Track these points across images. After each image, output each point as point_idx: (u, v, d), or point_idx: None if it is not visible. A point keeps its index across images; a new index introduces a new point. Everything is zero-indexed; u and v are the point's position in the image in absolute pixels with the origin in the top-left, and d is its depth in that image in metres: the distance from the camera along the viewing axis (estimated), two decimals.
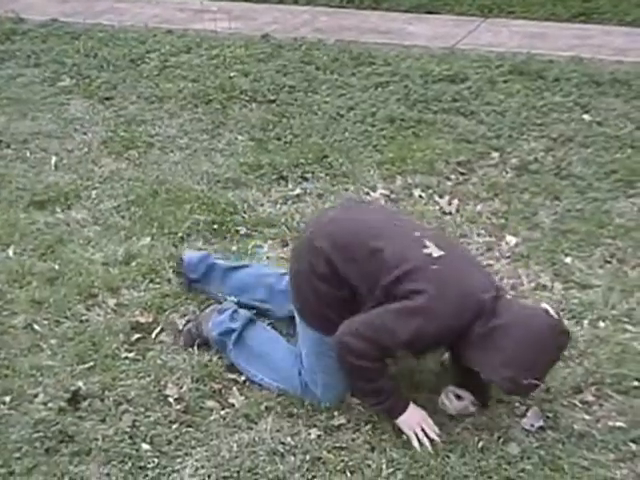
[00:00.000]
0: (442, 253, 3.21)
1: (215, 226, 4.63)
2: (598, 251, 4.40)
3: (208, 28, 7.89)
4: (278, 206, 4.88)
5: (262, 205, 4.90)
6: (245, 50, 7.27)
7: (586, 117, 5.90)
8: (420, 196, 4.94)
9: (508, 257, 4.39)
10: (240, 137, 5.75)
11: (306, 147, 5.52)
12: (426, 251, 3.20)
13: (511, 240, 4.51)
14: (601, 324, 3.87)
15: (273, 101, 6.28)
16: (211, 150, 5.58)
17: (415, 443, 3.22)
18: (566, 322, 3.81)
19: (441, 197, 4.91)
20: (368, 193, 4.97)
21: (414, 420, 3.26)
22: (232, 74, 6.76)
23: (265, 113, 6.08)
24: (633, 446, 3.23)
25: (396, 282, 3.16)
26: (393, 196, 4.94)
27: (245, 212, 4.80)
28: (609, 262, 4.33)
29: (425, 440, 3.22)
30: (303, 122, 5.91)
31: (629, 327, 3.85)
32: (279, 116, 6.02)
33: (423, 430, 3.24)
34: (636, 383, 3.52)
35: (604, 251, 4.40)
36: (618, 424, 3.33)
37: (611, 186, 5.00)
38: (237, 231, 4.61)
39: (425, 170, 5.20)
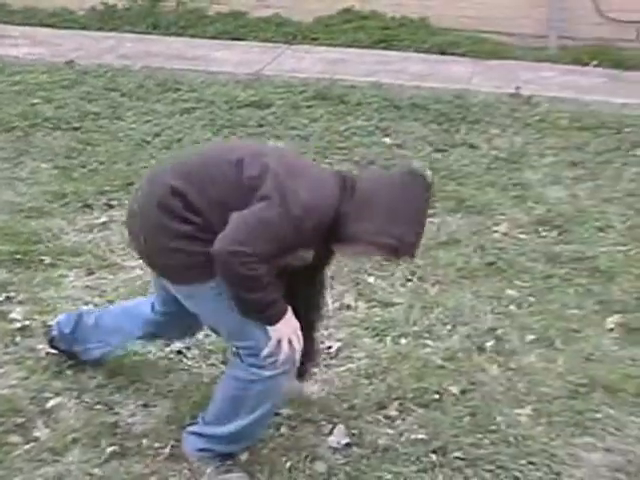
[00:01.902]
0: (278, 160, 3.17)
1: (18, 256, 4.53)
2: (399, 270, 4.54)
3: (10, 54, 7.73)
4: (83, 234, 4.83)
5: (67, 234, 4.83)
6: (48, 76, 7.17)
7: (387, 140, 6.10)
8: None
9: None
10: (44, 165, 5.66)
11: (112, 174, 5.49)
12: (264, 160, 3.13)
13: None
14: (403, 340, 4.00)
15: (77, 128, 6.22)
16: (14, 179, 5.46)
17: (282, 353, 3.09)
18: (369, 340, 3.96)
19: None
20: None
21: (287, 330, 3.11)
22: (35, 101, 6.65)
23: (69, 140, 6.01)
24: (434, 457, 3.34)
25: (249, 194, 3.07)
26: None
27: (49, 241, 4.72)
28: (410, 280, 4.48)
29: (285, 347, 3.09)
30: (108, 149, 5.87)
31: (429, 342, 3.99)
32: (84, 143, 5.96)
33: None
34: (436, 396, 3.64)
35: (405, 270, 4.54)
36: (420, 436, 3.44)
37: None
38: (41, 260, 4.53)
39: None
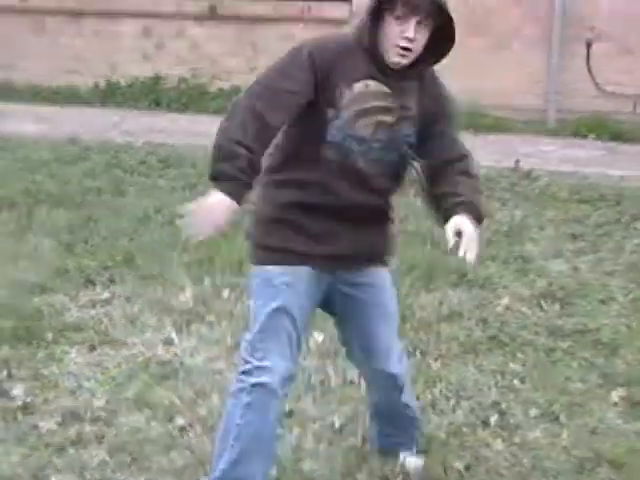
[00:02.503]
0: None
1: (20, 332, 4.52)
2: (402, 344, 4.52)
3: (14, 130, 7.82)
4: (86, 310, 4.83)
5: (69, 309, 4.83)
6: (52, 153, 7.24)
7: None
8: (228, 296, 4.99)
9: (316, 353, 4.47)
10: (46, 241, 5.69)
11: (114, 249, 5.51)
12: None
13: (319, 337, 4.59)
14: None
15: (80, 204, 6.26)
16: (16, 255, 5.48)
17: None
18: None
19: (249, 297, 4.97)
20: (177, 295, 4.99)
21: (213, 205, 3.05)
22: (38, 177, 6.71)
23: (72, 216, 6.05)
24: None
25: None
26: (202, 297, 4.97)
27: (52, 317, 4.72)
28: (413, 354, 4.46)
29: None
30: (111, 224, 5.90)
31: (433, 417, 3.96)
32: (86, 219, 6.00)
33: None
34: (441, 472, 3.60)
35: (408, 344, 4.53)
36: None
37: (412, 281, 5.19)
38: (44, 337, 4.52)
39: (233, 270, 5.26)
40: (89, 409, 3.91)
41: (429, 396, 4.11)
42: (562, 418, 3.95)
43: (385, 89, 3.07)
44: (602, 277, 5.30)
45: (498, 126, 7.96)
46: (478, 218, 3.05)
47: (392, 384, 3.43)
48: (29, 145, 7.41)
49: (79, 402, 3.97)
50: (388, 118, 3.09)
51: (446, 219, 3.03)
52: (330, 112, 3.05)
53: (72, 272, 5.22)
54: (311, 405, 4.02)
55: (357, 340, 3.36)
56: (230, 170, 2.95)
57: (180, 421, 3.84)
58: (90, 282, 5.14)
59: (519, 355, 4.45)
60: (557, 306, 4.95)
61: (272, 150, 3.13)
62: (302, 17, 8.76)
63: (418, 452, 3.60)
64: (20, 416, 3.86)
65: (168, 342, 4.52)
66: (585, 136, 7.86)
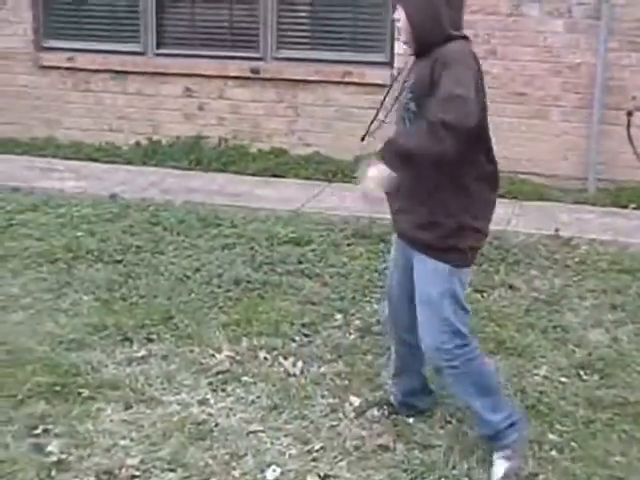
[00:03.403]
0: None
1: (57, 388, 4.53)
2: (439, 411, 4.49)
3: (56, 187, 7.90)
4: (122, 367, 4.83)
5: (106, 366, 4.84)
6: (92, 210, 7.31)
7: None
8: (265, 358, 4.97)
9: (353, 417, 4.43)
10: (85, 297, 5.71)
11: (152, 308, 5.52)
12: None
13: (355, 401, 4.57)
14: None
15: (119, 261, 6.29)
16: (55, 310, 5.51)
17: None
18: None
19: (285, 359, 4.96)
20: (213, 355, 4.98)
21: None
22: (78, 233, 6.76)
23: (111, 273, 6.08)
24: None
25: None
26: (238, 358, 4.96)
27: (88, 374, 4.72)
28: (449, 422, 4.42)
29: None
30: (149, 283, 5.92)
31: None
32: (125, 276, 6.02)
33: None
34: None
35: (444, 411, 4.49)
36: None
37: None
38: (79, 393, 4.53)
39: (270, 332, 5.25)
40: (124, 468, 3.91)
41: (465, 465, 4.05)
42: None
43: (405, 76, 3.81)
44: None
45: (538, 194, 7.95)
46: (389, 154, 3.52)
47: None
48: (71, 201, 7.48)
49: (114, 460, 3.97)
50: (402, 97, 3.78)
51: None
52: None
53: (110, 329, 5.23)
54: (346, 471, 3.98)
55: None
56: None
57: None
58: (127, 339, 5.14)
59: (557, 426, 4.38)
60: (596, 377, 4.89)
61: None
62: (343, 81, 8.83)
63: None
64: (54, 472, 3.87)
65: (203, 402, 4.51)
66: (625, 206, 7.82)
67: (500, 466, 3.93)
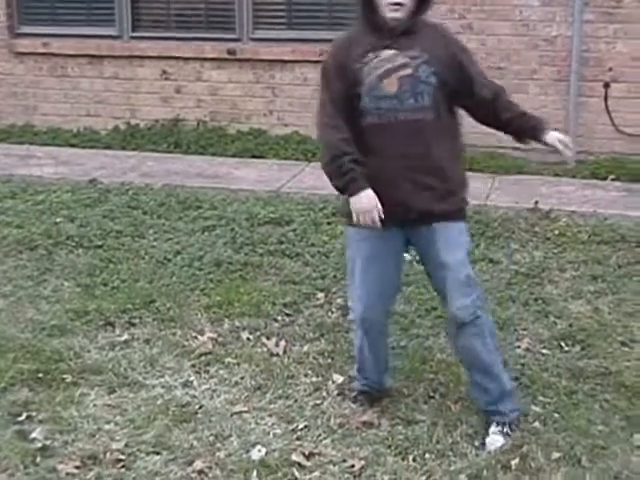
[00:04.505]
0: None
1: (40, 375, 4.54)
2: (422, 386, 4.51)
3: (34, 173, 7.87)
4: (105, 352, 4.84)
5: (89, 351, 4.84)
6: (71, 195, 7.29)
7: (407, 256, 6.06)
8: (248, 338, 4.99)
9: (336, 395, 4.45)
10: (66, 283, 5.71)
11: (133, 292, 5.51)
12: None
13: (338, 379, 4.58)
14: (427, 458, 3.94)
15: (100, 246, 6.28)
16: (36, 297, 5.50)
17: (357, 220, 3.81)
18: (392, 458, 3.90)
19: (268, 339, 4.97)
20: (196, 337, 4.98)
21: (365, 205, 3.76)
22: (58, 219, 6.74)
23: (92, 258, 6.07)
24: None
25: None
26: (221, 339, 4.97)
27: (71, 359, 4.73)
28: (432, 397, 4.44)
29: (367, 221, 3.77)
30: (130, 267, 5.92)
31: (454, 460, 3.93)
32: (106, 261, 6.01)
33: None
34: None
35: (427, 386, 4.51)
36: None
37: (432, 323, 5.17)
38: (63, 379, 4.53)
39: (252, 312, 5.26)
40: (108, 452, 3.92)
41: (449, 439, 4.08)
42: (584, 461, 3.90)
43: (392, 51, 3.82)
44: (623, 318, 5.26)
45: (516, 167, 7.96)
46: None
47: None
48: (49, 188, 7.45)
49: (98, 445, 3.98)
50: (407, 71, 3.81)
51: (533, 135, 4.01)
52: (359, 88, 3.83)
53: (92, 314, 5.23)
54: (331, 448, 4.00)
55: None
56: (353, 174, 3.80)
57: (199, 464, 3.83)
58: (109, 324, 5.14)
59: (540, 397, 4.41)
60: (578, 348, 4.91)
61: None
62: (320, 60, 8.78)
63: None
64: (39, 459, 3.88)
65: (187, 385, 4.52)
66: (604, 177, 7.84)
67: (497, 441, 4.01)
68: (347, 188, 3.81)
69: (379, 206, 3.75)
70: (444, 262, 3.92)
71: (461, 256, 3.95)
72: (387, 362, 4.37)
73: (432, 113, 3.85)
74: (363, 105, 3.84)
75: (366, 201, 3.76)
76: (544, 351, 4.89)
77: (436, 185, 3.90)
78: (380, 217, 3.75)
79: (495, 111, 4.02)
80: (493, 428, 4.07)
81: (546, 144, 3.98)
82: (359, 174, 3.77)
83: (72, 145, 9.05)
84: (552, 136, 3.96)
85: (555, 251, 6.26)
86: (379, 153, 3.86)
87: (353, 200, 3.79)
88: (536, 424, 4.18)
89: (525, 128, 4.03)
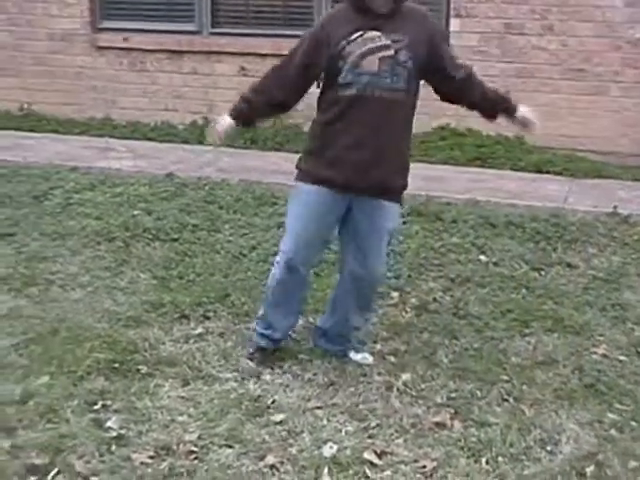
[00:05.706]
0: None
1: (116, 365, 4.58)
2: (495, 389, 4.47)
3: (113, 166, 7.96)
4: (179, 345, 4.87)
5: (163, 344, 4.88)
6: (149, 188, 7.35)
7: (482, 258, 6.07)
8: None
9: (408, 395, 4.43)
10: (142, 275, 5.76)
11: (208, 285, 5.55)
12: None
13: (406, 377, 4.56)
14: (500, 461, 3.90)
15: (176, 239, 6.34)
16: (113, 288, 5.57)
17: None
18: (464, 460, 3.87)
19: None
20: None
21: (219, 123, 4.43)
22: (135, 212, 6.81)
23: (168, 251, 6.12)
24: None
25: None
26: (294, 335, 4.97)
27: (146, 351, 4.77)
28: (506, 400, 4.39)
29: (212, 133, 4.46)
30: (206, 261, 5.96)
31: (527, 464, 3.89)
32: (182, 254, 6.06)
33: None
34: None
35: (501, 389, 4.47)
36: None
37: (507, 325, 5.13)
38: (138, 370, 4.57)
39: (325, 309, 5.24)
40: (181, 443, 3.94)
41: (523, 443, 4.03)
42: None
43: (376, 33, 4.15)
44: None
45: (595, 171, 7.85)
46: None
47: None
48: (127, 181, 7.54)
49: (172, 436, 4.00)
50: (388, 52, 4.14)
51: (506, 109, 4.41)
52: (341, 62, 4.15)
53: (167, 306, 5.27)
54: (403, 448, 3.98)
55: None
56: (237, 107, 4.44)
57: (271, 459, 3.84)
58: (184, 317, 5.18)
59: (617, 405, 4.34)
60: None
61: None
62: None
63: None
64: (114, 447, 3.91)
65: (260, 379, 4.53)
66: None
67: (369, 357, 4.72)
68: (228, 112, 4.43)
69: (222, 131, 4.42)
70: (365, 247, 4.42)
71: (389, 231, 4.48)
72: (297, 315, 4.80)
73: (404, 94, 4.22)
74: (343, 78, 4.17)
75: (222, 122, 4.40)
76: (621, 358, 4.81)
77: (395, 161, 4.32)
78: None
79: (468, 90, 4.38)
80: (363, 351, 4.81)
81: (517, 119, 4.43)
82: (238, 110, 4.40)
83: (150, 139, 9.16)
84: (523, 110, 4.42)
85: (634, 257, 6.16)
86: (352, 123, 4.22)
87: (217, 119, 4.45)
88: (612, 432, 4.12)
89: (497, 104, 4.42)
